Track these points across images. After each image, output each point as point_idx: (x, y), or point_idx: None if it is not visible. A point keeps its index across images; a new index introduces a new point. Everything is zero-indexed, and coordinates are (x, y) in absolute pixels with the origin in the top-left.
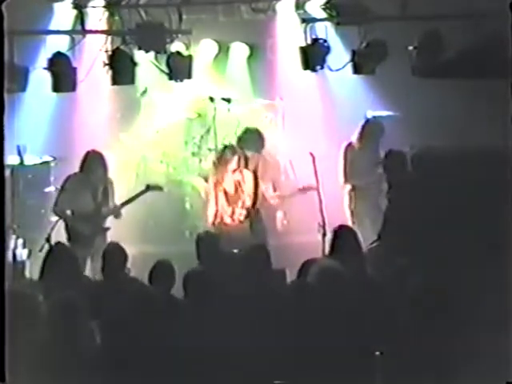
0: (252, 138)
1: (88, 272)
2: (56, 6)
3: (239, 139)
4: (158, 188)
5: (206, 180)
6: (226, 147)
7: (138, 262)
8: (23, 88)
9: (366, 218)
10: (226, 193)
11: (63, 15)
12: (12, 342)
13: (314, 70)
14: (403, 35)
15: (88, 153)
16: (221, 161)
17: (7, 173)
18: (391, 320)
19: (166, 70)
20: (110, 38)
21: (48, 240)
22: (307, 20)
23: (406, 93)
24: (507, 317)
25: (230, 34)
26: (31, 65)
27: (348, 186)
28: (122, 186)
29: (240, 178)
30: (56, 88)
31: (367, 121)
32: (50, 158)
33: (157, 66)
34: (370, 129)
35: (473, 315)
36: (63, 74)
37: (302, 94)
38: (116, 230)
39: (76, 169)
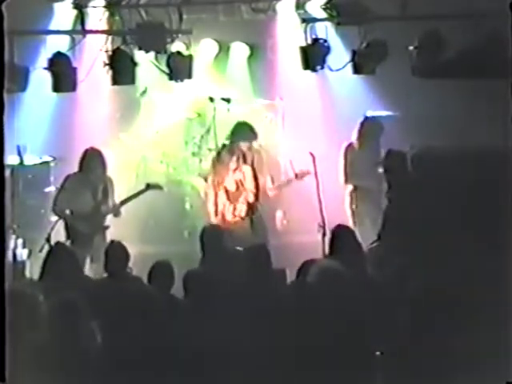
0: (242, 129)
1: (87, 271)
2: (56, 5)
3: (231, 133)
4: (158, 187)
5: (206, 180)
6: (224, 147)
7: (137, 262)
8: (23, 88)
9: (366, 218)
10: (227, 191)
11: (63, 15)
12: (12, 342)
13: (314, 69)
14: (403, 35)
15: (87, 150)
16: (220, 161)
17: (7, 173)
18: (391, 320)
19: (166, 70)
20: (110, 37)
21: (48, 240)
22: (307, 20)
23: (406, 93)
24: (507, 317)
25: (230, 33)
26: (31, 65)
27: (350, 187)
28: (122, 185)
29: (241, 176)
30: (56, 88)
31: (365, 120)
32: (49, 158)
33: (157, 66)
34: (369, 128)
35: (473, 315)
36: (63, 74)
37: (302, 93)
38: (116, 230)
39: (76, 169)
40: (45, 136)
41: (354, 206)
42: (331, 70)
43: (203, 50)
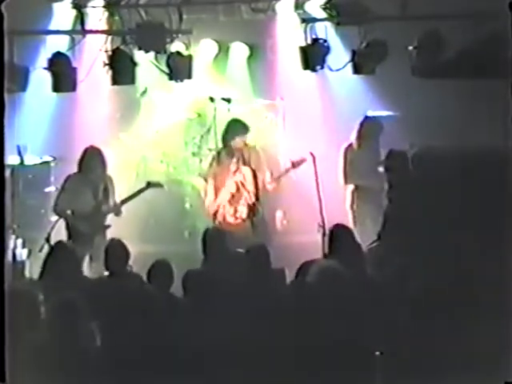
0: (235, 125)
1: (87, 270)
2: (56, 5)
3: (225, 131)
4: (159, 185)
5: (206, 180)
6: (223, 149)
7: (137, 261)
8: (23, 88)
9: (367, 218)
10: (227, 193)
11: (63, 15)
12: (12, 342)
13: (314, 69)
14: (403, 35)
15: (86, 150)
16: (220, 163)
17: (7, 173)
18: (391, 320)
19: (166, 70)
20: (110, 37)
21: (48, 240)
22: (307, 20)
23: (406, 93)
24: (507, 317)
25: (230, 33)
26: (31, 65)
27: (350, 187)
28: (123, 185)
29: (241, 178)
30: (56, 88)
31: (365, 120)
32: (50, 158)
33: (157, 66)
34: (368, 128)
35: (473, 315)
36: (63, 74)
37: (302, 93)
38: (116, 229)
39: (76, 169)
40: (45, 136)
41: (354, 206)
42: (331, 69)
43: (203, 50)
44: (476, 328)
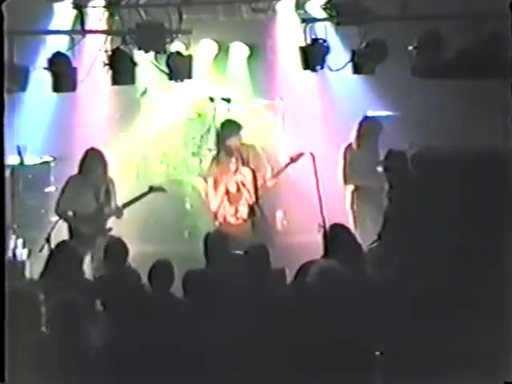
0: (227, 126)
1: (88, 272)
2: (56, 5)
3: (218, 133)
4: (161, 189)
5: (206, 180)
6: (221, 149)
7: (137, 261)
8: (23, 88)
9: (367, 218)
10: (228, 193)
11: (63, 15)
12: (12, 342)
13: (313, 69)
14: (403, 35)
15: (87, 151)
16: (219, 163)
17: (7, 173)
18: (391, 320)
19: (166, 70)
20: (109, 37)
21: (48, 240)
22: (307, 20)
23: (405, 93)
24: (507, 317)
25: (230, 33)
26: (31, 65)
27: (350, 187)
28: (123, 186)
29: (242, 177)
30: (56, 88)
31: (364, 120)
32: (50, 158)
33: (157, 66)
34: (368, 128)
35: (473, 315)
36: (63, 74)
37: (302, 93)
38: (116, 229)
39: (76, 169)
40: (45, 136)
41: (354, 206)
42: (331, 69)
43: (203, 50)
44: (476, 328)
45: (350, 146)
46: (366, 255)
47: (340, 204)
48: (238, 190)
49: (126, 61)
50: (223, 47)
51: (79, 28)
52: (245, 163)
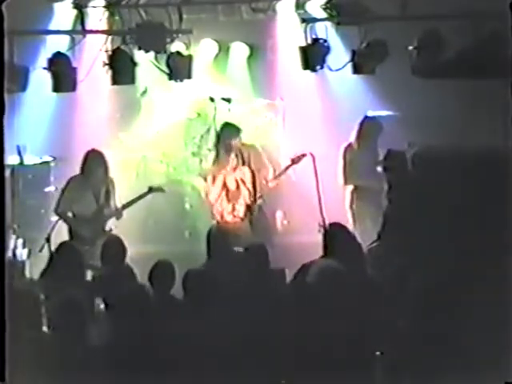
0: (226, 129)
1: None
2: (56, 5)
3: (217, 136)
4: (160, 190)
5: (206, 180)
6: (221, 147)
7: (137, 262)
8: (23, 88)
9: (367, 218)
10: (227, 190)
11: (63, 15)
12: (12, 342)
13: (313, 69)
14: (403, 35)
15: (88, 153)
16: (219, 160)
17: (7, 173)
18: (391, 320)
19: (166, 70)
20: (110, 37)
21: (48, 240)
22: (307, 20)
23: (405, 93)
24: (507, 317)
25: (230, 33)
26: (31, 65)
27: (350, 187)
28: (123, 186)
29: (241, 175)
30: (56, 88)
31: (364, 120)
32: (50, 158)
33: (157, 66)
34: (368, 128)
35: (473, 315)
36: (63, 74)
37: (302, 93)
38: (116, 230)
39: (76, 169)
40: (45, 136)
41: (354, 206)
42: (331, 69)
43: (203, 50)
44: (476, 328)
45: (350, 145)
46: (366, 255)
47: (340, 204)
48: (238, 188)
49: (126, 61)
50: (223, 47)
51: (79, 28)
52: (245, 162)
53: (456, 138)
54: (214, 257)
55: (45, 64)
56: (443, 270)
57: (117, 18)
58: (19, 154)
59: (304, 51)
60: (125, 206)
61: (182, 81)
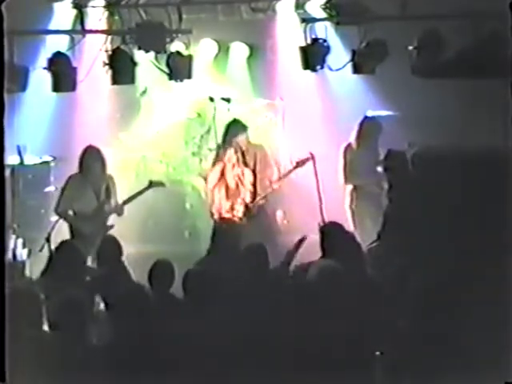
0: (233, 126)
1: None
2: (56, 5)
3: (224, 134)
4: (161, 184)
5: (206, 180)
6: (221, 144)
7: (137, 262)
8: (23, 88)
9: (367, 218)
10: (226, 187)
11: (63, 15)
12: (12, 342)
13: (313, 69)
14: (403, 35)
15: (85, 150)
16: (219, 158)
17: (7, 173)
18: (391, 320)
19: (166, 70)
20: (109, 37)
21: (48, 240)
22: (307, 20)
23: (405, 93)
24: (507, 317)
25: (229, 33)
26: (31, 65)
27: (350, 187)
28: (122, 185)
29: (240, 172)
30: (56, 88)
31: (364, 120)
32: (50, 158)
33: (157, 65)
34: (368, 128)
35: (473, 315)
36: (63, 74)
37: (302, 93)
38: (116, 229)
39: (76, 168)
40: (45, 136)
41: (354, 206)
42: (331, 69)
43: (203, 50)
44: (476, 328)
45: (349, 145)
46: (364, 254)
47: (340, 204)
48: (237, 187)
49: (126, 60)
50: (223, 47)
51: (79, 28)
52: (248, 162)
53: (456, 138)
54: (216, 253)
55: (45, 64)
56: (443, 270)
57: (116, 17)
58: (19, 153)
59: (304, 51)
60: (126, 202)
61: (181, 81)
